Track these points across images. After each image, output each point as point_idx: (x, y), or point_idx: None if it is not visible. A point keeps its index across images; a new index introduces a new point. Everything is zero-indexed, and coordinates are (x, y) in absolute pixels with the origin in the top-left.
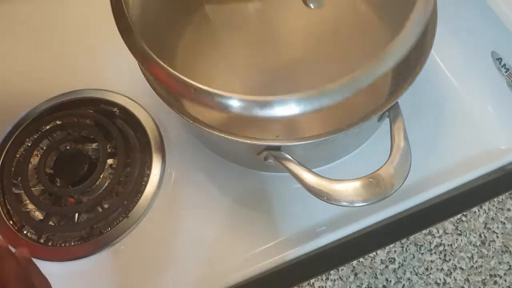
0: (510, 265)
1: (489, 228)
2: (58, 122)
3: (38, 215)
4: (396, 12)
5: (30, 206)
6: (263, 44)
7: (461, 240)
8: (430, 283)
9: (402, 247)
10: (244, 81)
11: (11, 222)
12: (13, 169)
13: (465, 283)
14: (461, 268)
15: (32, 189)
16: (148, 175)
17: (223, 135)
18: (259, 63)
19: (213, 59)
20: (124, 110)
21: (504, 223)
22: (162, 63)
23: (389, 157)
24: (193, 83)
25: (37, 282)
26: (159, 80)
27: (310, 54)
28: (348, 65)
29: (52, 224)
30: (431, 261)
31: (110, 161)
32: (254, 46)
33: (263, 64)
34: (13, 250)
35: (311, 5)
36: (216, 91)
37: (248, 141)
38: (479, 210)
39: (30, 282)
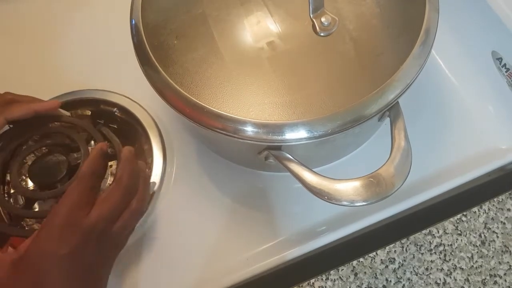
0: (510, 265)
1: (489, 228)
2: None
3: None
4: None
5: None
6: (273, 73)
7: (461, 240)
8: (430, 283)
9: (402, 247)
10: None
11: None
12: None
13: (465, 283)
14: (461, 268)
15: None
16: (149, 175)
17: (224, 135)
18: (268, 91)
19: (225, 91)
20: (124, 110)
21: (504, 223)
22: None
23: (389, 157)
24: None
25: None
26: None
27: (319, 82)
28: (353, 95)
29: None
30: (431, 261)
31: (110, 163)
32: (264, 76)
33: (272, 93)
34: None
35: (322, 34)
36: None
37: (249, 141)
38: (479, 210)
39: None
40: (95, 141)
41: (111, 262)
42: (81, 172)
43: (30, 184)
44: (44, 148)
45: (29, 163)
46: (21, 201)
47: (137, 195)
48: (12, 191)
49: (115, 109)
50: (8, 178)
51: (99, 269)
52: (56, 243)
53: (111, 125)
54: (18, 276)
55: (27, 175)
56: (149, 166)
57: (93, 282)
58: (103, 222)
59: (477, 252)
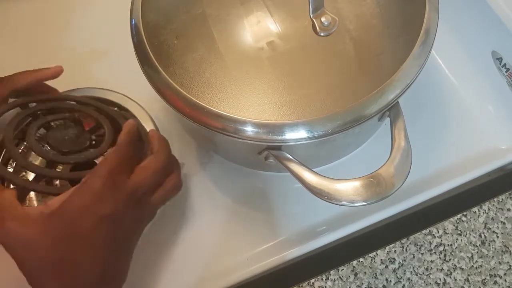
0: (510, 265)
1: (489, 228)
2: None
3: None
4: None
5: None
6: (273, 73)
7: (461, 240)
8: (430, 283)
9: (402, 247)
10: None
11: None
12: None
13: (465, 283)
14: (461, 268)
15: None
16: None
17: (224, 135)
18: (268, 91)
19: (226, 91)
20: (124, 109)
21: (504, 223)
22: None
23: (389, 157)
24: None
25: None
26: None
27: (319, 82)
28: (353, 95)
29: None
30: (431, 261)
31: None
32: (264, 76)
33: (272, 93)
34: None
35: (322, 34)
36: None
37: (249, 141)
38: (479, 210)
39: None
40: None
41: (140, 233)
42: (119, 140)
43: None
44: (60, 120)
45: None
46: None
47: (175, 171)
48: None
49: (115, 108)
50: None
51: (132, 236)
52: (97, 202)
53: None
54: (50, 231)
55: (44, 144)
56: None
57: (126, 249)
58: (143, 188)
59: (477, 252)
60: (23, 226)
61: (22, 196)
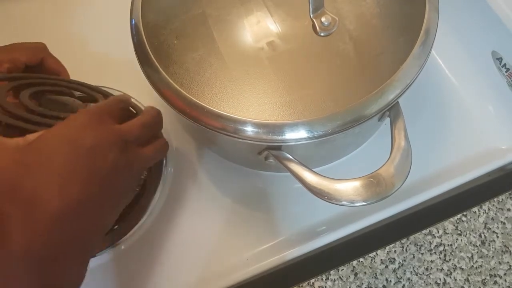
0: (510, 265)
1: (489, 228)
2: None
3: None
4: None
5: None
6: (273, 73)
7: (461, 240)
8: (430, 283)
9: (402, 247)
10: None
11: None
12: None
13: (465, 283)
14: (461, 268)
15: None
16: (147, 176)
17: (224, 135)
18: (268, 91)
19: (225, 90)
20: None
21: (504, 223)
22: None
23: (389, 157)
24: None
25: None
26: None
27: (319, 82)
28: (353, 95)
29: None
30: (431, 261)
31: None
32: (264, 76)
33: (272, 93)
34: None
35: (322, 34)
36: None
37: (249, 141)
38: (479, 210)
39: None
40: None
41: (129, 185)
42: (111, 97)
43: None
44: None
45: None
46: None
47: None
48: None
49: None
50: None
51: (119, 180)
52: (80, 133)
53: None
54: (24, 160)
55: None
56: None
57: (111, 193)
58: (130, 136)
59: (477, 252)
60: None
61: (10, 130)
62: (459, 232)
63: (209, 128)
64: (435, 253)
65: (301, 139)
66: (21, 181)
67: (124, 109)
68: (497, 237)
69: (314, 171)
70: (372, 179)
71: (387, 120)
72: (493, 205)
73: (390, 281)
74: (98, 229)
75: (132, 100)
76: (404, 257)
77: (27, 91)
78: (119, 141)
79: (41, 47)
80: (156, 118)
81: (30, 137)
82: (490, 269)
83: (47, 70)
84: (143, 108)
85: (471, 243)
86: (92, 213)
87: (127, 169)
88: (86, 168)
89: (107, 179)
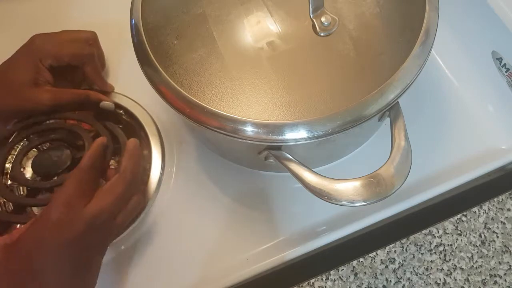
0: (510, 265)
1: (489, 228)
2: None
3: None
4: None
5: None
6: (273, 73)
7: (461, 240)
8: (430, 283)
9: (402, 247)
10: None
11: None
12: None
13: (465, 283)
14: (461, 268)
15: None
16: (148, 176)
17: (224, 135)
18: (268, 91)
19: (225, 91)
20: (123, 109)
21: (504, 223)
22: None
23: (389, 157)
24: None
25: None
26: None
27: (319, 82)
28: (353, 95)
29: None
30: (431, 261)
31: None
32: (264, 75)
33: (272, 93)
34: None
35: (322, 34)
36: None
37: (249, 141)
38: (479, 210)
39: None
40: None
41: (105, 251)
42: (80, 164)
43: (29, 175)
44: (48, 142)
45: (31, 156)
46: (19, 192)
47: (138, 192)
48: (9, 182)
49: (121, 111)
50: (6, 170)
51: (96, 255)
52: (55, 232)
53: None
54: (9, 261)
55: (26, 167)
56: (148, 166)
57: (91, 268)
58: (104, 213)
59: (477, 252)
60: None
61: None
62: (459, 232)
63: (209, 128)
64: (435, 253)
65: (301, 139)
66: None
67: (96, 171)
68: (497, 237)
69: (314, 171)
70: (372, 179)
71: (387, 120)
72: (493, 205)
73: (390, 281)
74: None
75: (131, 101)
76: (404, 257)
77: (19, 156)
78: (94, 225)
79: (91, 38)
80: (131, 181)
81: (13, 234)
82: (490, 269)
83: (85, 77)
84: (138, 116)
85: (471, 243)
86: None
87: (103, 241)
88: (71, 258)
89: (89, 257)
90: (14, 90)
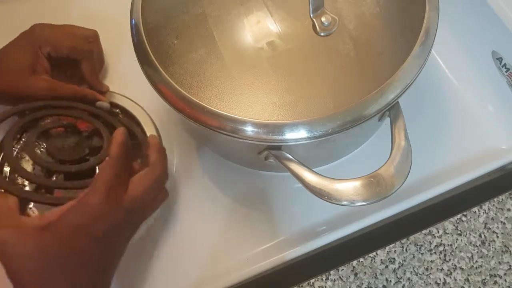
0: (510, 265)
1: (489, 228)
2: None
3: None
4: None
5: None
6: (273, 73)
7: (461, 240)
8: (430, 283)
9: (402, 247)
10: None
11: None
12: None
13: (465, 283)
14: (461, 268)
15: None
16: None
17: (224, 135)
18: (268, 91)
19: (224, 91)
20: (123, 110)
21: (504, 223)
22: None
23: (389, 157)
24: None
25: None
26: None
27: (319, 82)
28: (353, 95)
29: None
30: (431, 261)
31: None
32: (264, 75)
33: (272, 93)
34: None
35: (322, 34)
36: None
37: (249, 141)
38: (479, 210)
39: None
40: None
41: (125, 249)
42: (113, 153)
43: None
44: (60, 127)
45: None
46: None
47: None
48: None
49: (117, 110)
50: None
51: (120, 252)
52: (93, 221)
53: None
54: (43, 246)
55: (42, 150)
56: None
57: (113, 265)
58: (138, 203)
59: (477, 252)
60: (17, 236)
61: (23, 204)
62: (459, 232)
63: (209, 128)
64: (435, 253)
65: (301, 139)
66: (48, 270)
67: (128, 159)
68: (497, 237)
69: (314, 171)
70: (372, 179)
71: (387, 120)
72: (493, 205)
73: (390, 281)
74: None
75: (130, 100)
76: (404, 257)
77: (31, 136)
78: (129, 217)
79: (92, 35)
80: (162, 174)
81: (48, 215)
82: (490, 269)
83: (81, 74)
84: (149, 135)
85: (471, 243)
86: (102, 282)
87: (128, 238)
88: (99, 254)
89: (114, 255)
90: (10, 74)
